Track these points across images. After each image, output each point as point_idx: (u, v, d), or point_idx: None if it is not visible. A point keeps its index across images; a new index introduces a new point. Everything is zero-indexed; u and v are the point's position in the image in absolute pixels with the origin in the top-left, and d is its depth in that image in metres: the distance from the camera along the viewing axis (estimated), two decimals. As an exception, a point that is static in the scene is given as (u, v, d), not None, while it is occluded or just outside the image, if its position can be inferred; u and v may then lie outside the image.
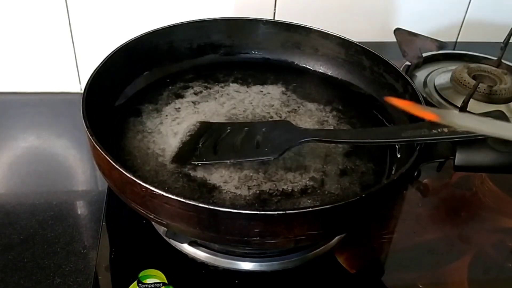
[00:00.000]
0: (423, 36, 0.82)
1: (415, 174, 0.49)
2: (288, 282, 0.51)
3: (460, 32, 0.93)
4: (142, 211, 0.44)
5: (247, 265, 0.52)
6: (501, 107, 0.74)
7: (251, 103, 0.63)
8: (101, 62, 0.56)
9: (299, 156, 0.54)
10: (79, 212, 0.59)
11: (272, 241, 0.42)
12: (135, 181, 0.41)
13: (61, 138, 0.70)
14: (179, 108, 0.61)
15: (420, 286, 0.52)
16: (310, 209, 0.41)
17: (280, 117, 0.61)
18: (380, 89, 0.63)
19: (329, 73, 0.69)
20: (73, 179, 0.64)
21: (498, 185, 0.65)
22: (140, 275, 0.49)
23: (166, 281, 0.49)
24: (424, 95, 0.76)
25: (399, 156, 0.55)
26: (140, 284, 0.48)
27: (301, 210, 0.40)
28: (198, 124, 0.57)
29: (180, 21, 0.66)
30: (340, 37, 0.66)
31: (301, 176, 0.52)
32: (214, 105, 0.62)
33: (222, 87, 0.66)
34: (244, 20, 0.68)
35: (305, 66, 0.70)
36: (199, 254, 0.52)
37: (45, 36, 0.74)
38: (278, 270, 0.52)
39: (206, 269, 0.51)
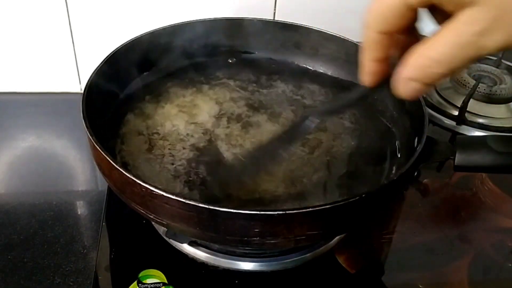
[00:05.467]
0: (423, 36, 0.81)
1: (415, 174, 0.49)
2: (288, 282, 0.51)
3: (460, 32, 0.93)
4: (142, 211, 0.44)
5: (247, 265, 0.52)
6: (501, 107, 0.74)
7: (251, 102, 0.63)
8: (101, 62, 0.56)
9: (298, 156, 0.54)
10: (79, 212, 0.59)
11: (272, 241, 0.42)
12: (135, 181, 0.41)
13: (61, 138, 0.70)
14: (179, 107, 0.61)
15: (420, 286, 0.52)
16: (310, 209, 0.40)
17: (280, 117, 0.61)
18: (380, 89, 0.63)
19: (329, 73, 0.69)
20: (73, 179, 0.64)
21: (498, 185, 0.65)
22: (140, 275, 0.49)
23: (166, 281, 0.49)
24: (424, 95, 0.76)
25: (399, 156, 0.55)
26: (140, 284, 0.48)
27: (301, 210, 0.40)
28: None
29: (180, 21, 0.66)
30: (340, 37, 0.66)
31: (299, 176, 0.52)
32: (214, 104, 0.62)
33: (222, 87, 0.66)
34: (244, 20, 0.68)
35: (305, 66, 0.70)
36: (199, 254, 0.52)
37: (45, 36, 0.74)
38: (278, 270, 0.52)
39: (206, 269, 0.51)
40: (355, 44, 0.65)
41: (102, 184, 0.62)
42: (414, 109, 0.55)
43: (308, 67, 0.70)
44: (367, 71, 0.34)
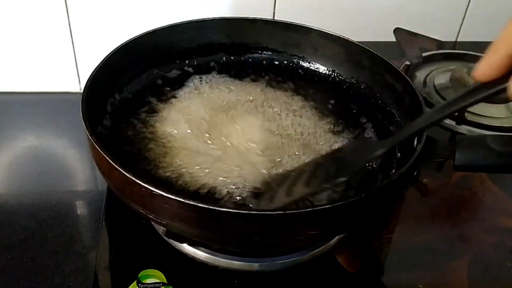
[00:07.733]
0: (423, 36, 0.82)
1: (415, 174, 0.49)
2: (288, 282, 0.51)
3: (460, 32, 0.93)
4: (142, 211, 0.44)
5: (247, 265, 0.51)
6: (501, 107, 0.74)
7: (251, 102, 0.63)
8: (101, 62, 0.56)
9: (297, 156, 0.54)
10: (79, 212, 0.59)
11: (272, 241, 0.42)
12: (135, 181, 0.41)
13: (61, 138, 0.70)
14: (179, 107, 0.61)
15: (420, 286, 0.52)
16: (310, 209, 0.40)
17: (280, 117, 0.60)
18: (380, 89, 0.63)
19: (329, 73, 0.69)
20: (73, 179, 0.64)
21: (498, 185, 0.65)
22: (140, 275, 0.49)
23: (165, 281, 0.49)
24: (424, 95, 0.76)
25: (399, 156, 0.55)
26: (139, 284, 0.48)
27: (300, 210, 0.40)
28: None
29: (180, 21, 0.66)
30: (340, 37, 0.66)
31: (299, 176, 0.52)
32: (214, 104, 0.62)
33: (221, 86, 0.65)
34: (244, 20, 0.68)
35: (305, 65, 0.70)
36: (199, 254, 0.52)
37: (45, 36, 0.74)
38: (278, 270, 0.52)
39: (205, 269, 0.51)
40: (355, 43, 0.65)
41: (102, 184, 0.62)
42: (414, 109, 0.55)
43: (308, 66, 0.70)
44: (491, 63, 0.30)
